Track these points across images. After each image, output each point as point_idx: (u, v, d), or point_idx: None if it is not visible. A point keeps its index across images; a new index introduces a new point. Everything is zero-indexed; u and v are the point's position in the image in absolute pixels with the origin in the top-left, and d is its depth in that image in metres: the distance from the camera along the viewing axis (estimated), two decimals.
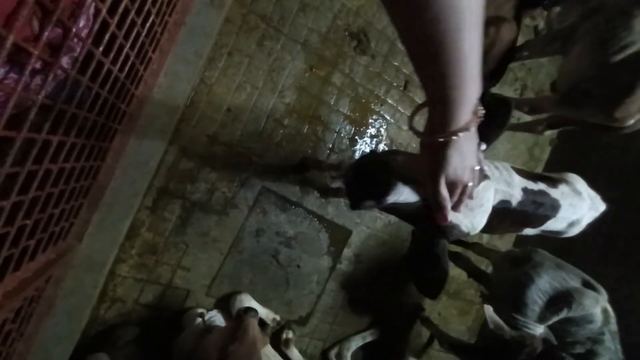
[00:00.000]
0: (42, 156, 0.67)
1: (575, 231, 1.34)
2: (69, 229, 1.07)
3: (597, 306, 1.51)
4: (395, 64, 1.93)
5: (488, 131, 0.92)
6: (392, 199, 0.77)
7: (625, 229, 2.29)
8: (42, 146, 0.65)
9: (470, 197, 0.58)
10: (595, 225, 1.39)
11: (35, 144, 0.63)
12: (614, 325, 1.55)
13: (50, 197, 0.80)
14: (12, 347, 0.92)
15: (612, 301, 1.61)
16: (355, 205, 0.85)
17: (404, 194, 0.78)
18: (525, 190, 1.08)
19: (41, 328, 1.11)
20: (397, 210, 0.99)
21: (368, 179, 0.82)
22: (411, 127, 0.56)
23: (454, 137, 0.47)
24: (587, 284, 1.56)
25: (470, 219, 0.94)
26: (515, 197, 1.06)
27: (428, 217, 0.82)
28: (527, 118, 2.47)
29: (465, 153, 0.50)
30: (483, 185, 0.95)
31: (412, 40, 0.38)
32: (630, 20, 1.38)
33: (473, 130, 0.48)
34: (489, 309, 1.50)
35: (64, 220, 0.98)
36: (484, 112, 0.48)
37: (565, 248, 1.83)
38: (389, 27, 1.87)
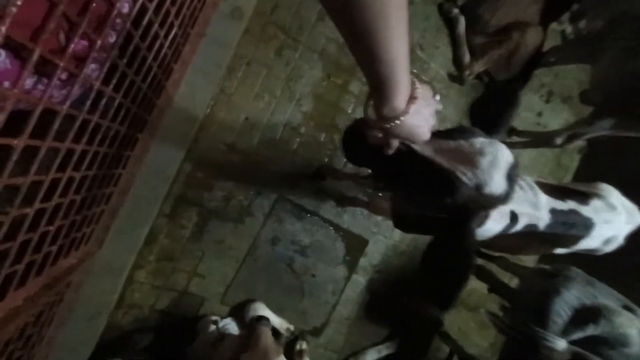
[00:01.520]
0: (65, 164, 0.69)
1: (612, 247, 1.25)
2: (90, 234, 1.10)
3: (631, 327, 1.40)
4: (414, 71, 1.89)
5: (498, 115, 0.85)
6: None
7: None
8: (65, 154, 0.66)
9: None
10: (633, 238, 1.29)
11: (59, 153, 0.64)
12: None
13: (73, 204, 0.82)
14: (33, 351, 0.94)
15: None
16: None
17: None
18: (553, 211, 1.01)
19: (61, 332, 1.13)
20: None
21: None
22: (366, 116, 0.60)
23: (397, 122, 0.54)
24: (625, 307, 1.45)
25: (473, 168, 0.76)
26: (543, 219, 0.98)
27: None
28: (552, 126, 2.37)
29: (414, 126, 0.57)
30: (489, 142, 0.78)
31: (345, 26, 0.43)
32: None
33: (413, 109, 0.54)
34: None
35: (86, 226, 1.00)
36: (420, 92, 0.54)
37: (596, 262, 1.71)
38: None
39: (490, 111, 0.84)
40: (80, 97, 0.67)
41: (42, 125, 0.58)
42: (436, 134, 0.75)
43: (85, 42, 0.60)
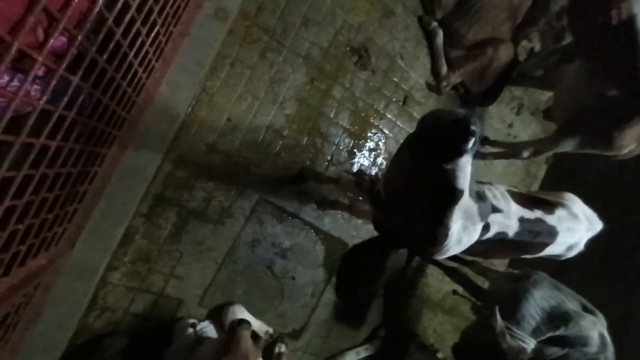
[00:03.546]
0: (39, 160, 0.67)
1: (574, 253, 1.34)
2: (62, 234, 1.06)
3: (594, 329, 1.51)
4: (395, 79, 1.96)
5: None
6: None
7: (621, 247, 2.30)
8: (39, 150, 0.65)
9: None
10: (591, 244, 1.39)
11: (33, 149, 0.63)
12: (610, 354, 1.53)
13: (45, 202, 0.80)
14: None
15: (608, 320, 1.60)
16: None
17: None
18: (521, 220, 1.07)
19: (27, 336, 1.08)
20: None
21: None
22: None
23: None
24: (585, 309, 1.56)
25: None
26: (512, 227, 1.05)
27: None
28: (522, 137, 2.51)
29: None
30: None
31: None
32: None
33: None
34: (498, 316, 1.46)
35: (57, 225, 0.97)
36: None
37: (561, 268, 1.83)
38: (390, 43, 1.91)
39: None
40: (56, 92, 0.66)
41: (17, 121, 0.57)
42: None
43: (64, 38, 0.59)
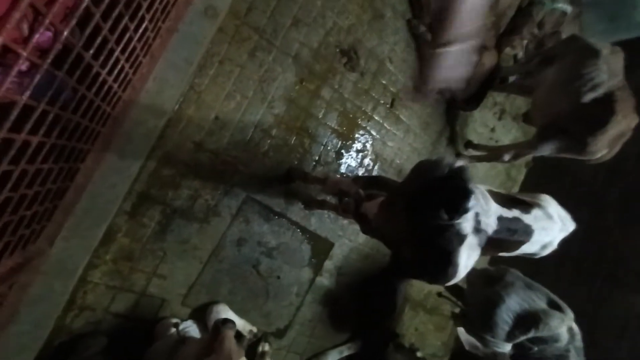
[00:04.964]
0: (19, 156, 0.65)
1: (547, 252, 1.40)
2: (40, 232, 1.03)
3: (563, 326, 1.59)
4: (383, 82, 1.99)
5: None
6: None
7: (593, 250, 2.41)
8: (20, 146, 0.63)
9: None
10: (565, 246, 1.46)
11: (13, 144, 0.61)
12: (579, 342, 1.63)
13: (24, 199, 0.77)
14: None
15: (580, 320, 1.69)
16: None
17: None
18: (500, 218, 1.12)
19: (3, 337, 1.04)
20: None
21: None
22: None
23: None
24: (553, 304, 1.64)
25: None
26: (491, 226, 1.09)
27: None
28: (504, 141, 2.59)
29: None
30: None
31: None
32: (598, 60, 1.51)
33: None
34: (462, 332, 1.57)
35: (36, 222, 0.94)
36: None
37: (536, 269, 1.91)
38: (379, 46, 1.93)
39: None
40: (39, 87, 0.64)
41: None
42: None
43: (49, 33, 0.58)
